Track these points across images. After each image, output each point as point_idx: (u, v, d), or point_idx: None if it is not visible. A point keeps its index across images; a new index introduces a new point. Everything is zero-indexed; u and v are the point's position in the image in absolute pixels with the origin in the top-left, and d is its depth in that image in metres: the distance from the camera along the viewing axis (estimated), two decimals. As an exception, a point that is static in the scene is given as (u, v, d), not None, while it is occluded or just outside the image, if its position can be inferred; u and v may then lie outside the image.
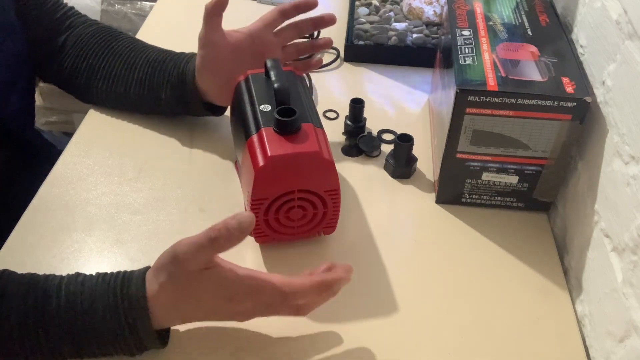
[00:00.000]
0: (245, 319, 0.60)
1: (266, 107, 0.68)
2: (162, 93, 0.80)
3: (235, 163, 0.80)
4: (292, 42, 0.84)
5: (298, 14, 0.81)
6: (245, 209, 0.72)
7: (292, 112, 0.64)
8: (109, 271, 0.59)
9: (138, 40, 0.86)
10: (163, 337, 0.60)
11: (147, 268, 0.58)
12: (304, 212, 0.67)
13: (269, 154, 0.62)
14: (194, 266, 0.55)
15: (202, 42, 0.75)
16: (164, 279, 0.56)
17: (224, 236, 0.53)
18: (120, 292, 0.56)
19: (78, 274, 0.59)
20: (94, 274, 0.59)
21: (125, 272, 0.58)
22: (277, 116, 0.64)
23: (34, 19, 0.84)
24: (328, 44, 0.85)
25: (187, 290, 0.56)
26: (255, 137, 0.65)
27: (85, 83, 0.84)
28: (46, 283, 0.57)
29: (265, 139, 0.64)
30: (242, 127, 0.68)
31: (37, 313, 0.55)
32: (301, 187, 0.65)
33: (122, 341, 0.56)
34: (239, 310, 0.58)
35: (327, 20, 0.82)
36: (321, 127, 0.68)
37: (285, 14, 0.80)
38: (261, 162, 0.63)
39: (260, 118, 0.66)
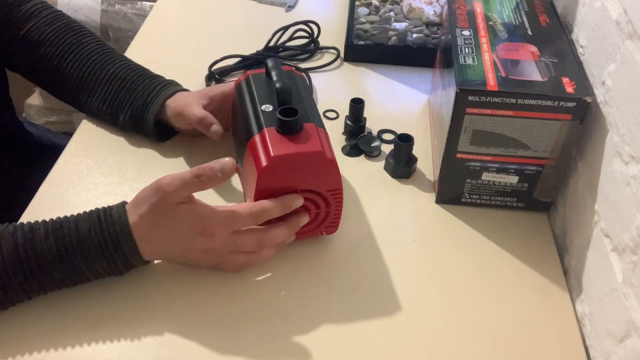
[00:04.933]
0: (212, 260, 0.65)
1: (268, 107, 0.67)
2: (120, 115, 0.81)
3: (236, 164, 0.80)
4: None
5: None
6: None
7: (294, 112, 0.64)
8: None
9: (105, 47, 0.85)
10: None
11: (124, 202, 0.63)
12: (306, 212, 0.67)
13: (272, 154, 0.62)
14: (174, 198, 0.60)
15: (180, 112, 0.77)
16: (145, 210, 0.61)
17: (207, 175, 0.60)
18: (104, 213, 0.62)
19: (59, 217, 0.63)
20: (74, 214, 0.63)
21: (104, 206, 0.63)
22: (279, 116, 0.64)
23: None
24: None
25: (164, 222, 0.61)
26: (257, 137, 0.65)
27: (54, 84, 0.84)
28: (31, 223, 0.62)
29: (268, 139, 0.63)
30: (244, 127, 0.68)
31: (27, 242, 0.60)
32: (304, 187, 0.65)
33: (108, 257, 0.61)
34: (207, 248, 0.63)
35: None
36: (323, 127, 0.68)
37: None
38: (264, 162, 0.62)
39: (262, 118, 0.66)
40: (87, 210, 0.63)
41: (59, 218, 0.63)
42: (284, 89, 0.66)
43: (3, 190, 0.89)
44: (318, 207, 0.67)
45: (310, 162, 0.64)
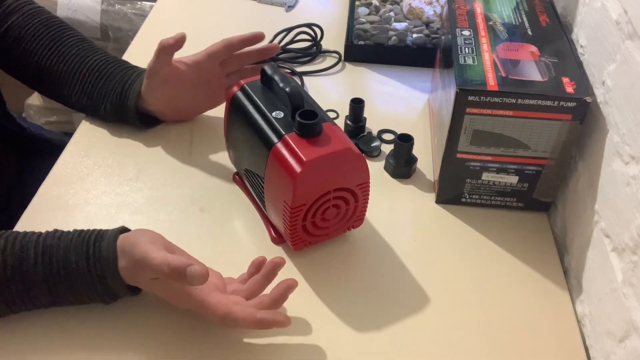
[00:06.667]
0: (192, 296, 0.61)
1: (279, 114, 0.67)
2: (101, 106, 0.82)
3: (235, 175, 0.79)
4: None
5: (244, 47, 0.82)
6: (271, 220, 0.71)
7: (314, 114, 0.63)
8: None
9: (85, 41, 0.85)
10: (134, 287, 0.62)
11: (121, 229, 0.62)
12: (337, 210, 0.67)
13: (305, 159, 0.61)
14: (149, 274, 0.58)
15: (148, 73, 0.78)
16: (125, 263, 0.59)
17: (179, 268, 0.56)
18: (93, 244, 0.60)
19: (56, 230, 0.62)
20: (71, 230, 0.62)
21: (100, 230, 0.62)
22: (300, 120, 0.63)
23: None
24: (274, 49, 0.84)
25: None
26: (280, 145, 0.64)
27: (36, 80, 0.85)
28: (24, 239, 0.61)
29: (294, 145, 0.63)
30: (257, 138, 0.67)
31: (15, 264, 0.59)
32: (337, 186, 0.65)
33: (93, 290, 0.61)
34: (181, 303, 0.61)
35: (271, 49, 0.84)
36: (335, 124, 0.67)
37: (230, 47, 0.81)
38: (298, 169, 0.61)
39: (277, 125, 0.65)
40: (82, 232, 0.61)
41: (50, 240, 0.61)
42: (295, 93, 0.65)
43: (2, 186, 0.89)
44: (348, 204, 0.67)
45: (341, 160, 0.63)
